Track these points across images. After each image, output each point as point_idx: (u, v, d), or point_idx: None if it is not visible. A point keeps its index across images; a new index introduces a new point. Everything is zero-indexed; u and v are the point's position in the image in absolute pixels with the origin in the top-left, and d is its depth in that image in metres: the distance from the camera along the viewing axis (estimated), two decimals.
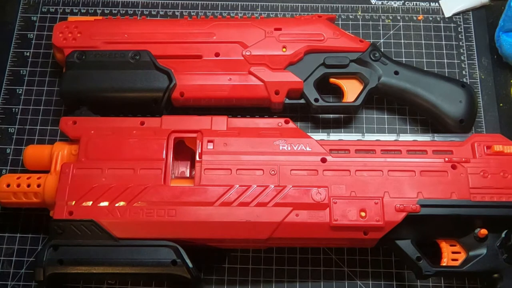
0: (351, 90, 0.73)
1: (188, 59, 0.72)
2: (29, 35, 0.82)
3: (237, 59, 0.72)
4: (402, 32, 0.82)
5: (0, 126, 0.77)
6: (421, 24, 0.83)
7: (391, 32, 0.82)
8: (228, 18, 0.77)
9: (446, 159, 0.64)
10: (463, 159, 0.64)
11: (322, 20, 0.75)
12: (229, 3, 0.85)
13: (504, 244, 0.62)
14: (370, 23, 0.83)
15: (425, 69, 0.78)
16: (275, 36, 0.73)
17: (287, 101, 0.72)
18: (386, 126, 0.76)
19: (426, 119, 0.76)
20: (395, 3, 0.85)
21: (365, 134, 0.67)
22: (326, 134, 0.67)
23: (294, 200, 0.62)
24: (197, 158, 0.64)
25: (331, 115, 0.77)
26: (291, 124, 0.67)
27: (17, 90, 0.79)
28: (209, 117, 0.67)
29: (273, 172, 0.63)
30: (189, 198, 0.62)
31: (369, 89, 0.72)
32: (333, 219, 0.61)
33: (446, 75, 0.78)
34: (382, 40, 0.82)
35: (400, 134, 0.67)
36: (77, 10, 0.84)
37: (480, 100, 0.78)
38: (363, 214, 0.61)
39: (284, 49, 0.73)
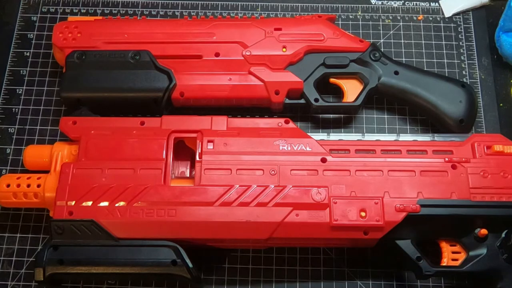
0: (351, 90, 0.73)
1: (188, 59, 0.72)
2: (29, 35, 0.82)
3: (237, 59, 0.72)
4: (402, 32, 0.82)
5: (0, 126, 0.77)
6: (421, 24, 0.83)
7: (391, 32, 0.82)
8: (228, 18, 0.77)
9: (446, 159, 0.64)
10: (463, 159, 0.64)
11: (322, 20, 0.75)
12: (229, 3, 0.85)
13: (504, 244, 0.62)
14: (370, 23, 0.83)
15: (425, 69, 0.78)
16: (275, 36, 0.73)
17: (287, 101, 0.72)
18: (386, 126, 0.76)
19: (426, 119, 0.76)
20: (395, 3, 0.85)
21: (365, 134, 0.67)
22: (326, 134, 0.67)
23: (294, 200, 0.62)
24: (197, 158, 0.64)
25: (331, 115, 0.77)
26: (291, 124, 0.67)
27: (17, 90, 0.79)
28: (209, 117, 0.67)
29: (273, 172, 0.63)
30: (189, 198, 0.62)
31: (369, 89, 0.72)
32: (333, 219, 0.61)
33: (446, 75, 0.78)
34: (382, 40, 0.82)
35: (400, 134, 0.67)
36: (77, 10, 0.84)
37: (480, 100, 0.78)
38: (363, 214, 0.61)
39: (284, 49, 0.73)
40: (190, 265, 0.60)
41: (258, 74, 0.72)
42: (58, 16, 0.84)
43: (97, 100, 0.72)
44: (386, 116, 0.77)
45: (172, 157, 0.65)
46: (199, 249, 0.64)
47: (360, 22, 0.83)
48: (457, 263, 0.62)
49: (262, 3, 0.85)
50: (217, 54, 0.73)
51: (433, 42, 0.81)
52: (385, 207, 0.61)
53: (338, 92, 0.75)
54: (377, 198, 0.62)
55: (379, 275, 0.68)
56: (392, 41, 0.82)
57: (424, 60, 0.80)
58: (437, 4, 0.84)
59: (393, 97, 0.74)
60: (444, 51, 0.81)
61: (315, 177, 0.63)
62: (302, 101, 0.73)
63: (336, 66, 0.73)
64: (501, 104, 0.78)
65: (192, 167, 0.68)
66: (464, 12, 0.83)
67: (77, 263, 0.60)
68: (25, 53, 0.81)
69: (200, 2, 0.85)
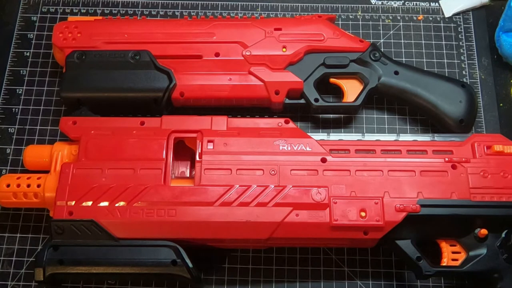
0: (351, 90, 0.73)
1: (188, 59, 0.72)
2: (29, 35, 0.82)
3: (237, 59, 0.72)
4: (402, 32, 0.82)
5: (0, 126, 0.77)
6: (421, 24, 0.83)
7: (391, 32, 0.82)
8: (228, 18, 0.77)
9: (446, 159, 0.64)
10: (463, 159, 0.64)
11: (322, 20, 0.75)
12: (229, 3, 0.85)
13: (504, 244, 0.62)
14: (370, 23, 0.83)
15: (425, 69, 0.78)
16: (275, 36, 0.73)
17: (287, 101, 0.72)
18: (386, 126, 0.76)
19: (426, 119, 0.76)
20: (395, 3, 0.85)
21: (365, 134, 0.67)
22: (326, 134, 0.67)
23: (294, 200, 0.62)
24: (197, 158, 0.64)
25: (331, 115, 0.77)
26: (291, 124, 0.67)
27: (17, 90, 0.79)
28: (209, 117, 0.67)
29: (273, 172, 0.63)
30: (189, 198, 0.62)
31: (369, 89, 0.72)
32: (333, 219, 0.61)
33: (446, 75, 0.78)
34: (382, 40, 0.82)
35: (400, 134, 0.67)
36: (77, 10, 0.84)
37: (480, 100, 0.78)
38: (363, 214, 0.61)
39: (284, 49, 0.73)
40: (190, 265, 0.60)
41: (258, 74, 0.72)
42: (58, 16, 0.84)
43: (97, 100, 0.72)
44: (386, 116, 0.77)
45: (172, 157, 0.65)
46: (199, 249, 0.64)
47: (360, 22, 0.83)
48: (457, 263, 0.62)
49: (262, 3, 0.85)
50: (217, 54, 0.73)
51: (433, 42, 0.81)
52: (385, 207, 0.61)
53: (338, 92, 0.75)
54: (377, 198, 0.62)
55: (379, 275, 0.68)
56: (392, 41, 0.82)
57: (424, 60, 0.80)
58: (437, 4, 0.84)
59: (393, 97, 0.74)
60: (444, 51, 0.81)
61: (315, 177, 0.63)
62: (302, 101, 0.73)
63: (336, 66, 0.73)
64: (501, 104, 0.78)
65: (192, 167, 0.68)
66: (464, 12, 0.83)
67: (77, 263, 0.60)
68: (25, 53, 0.81)
69: (200, 2, 0.85)
